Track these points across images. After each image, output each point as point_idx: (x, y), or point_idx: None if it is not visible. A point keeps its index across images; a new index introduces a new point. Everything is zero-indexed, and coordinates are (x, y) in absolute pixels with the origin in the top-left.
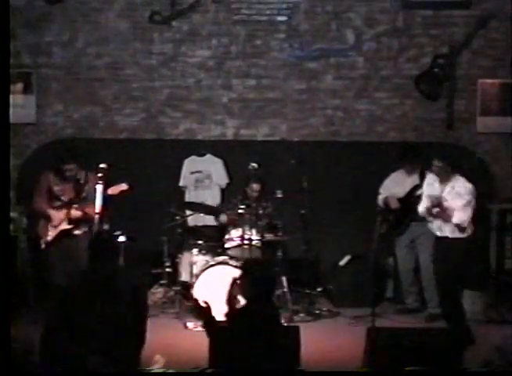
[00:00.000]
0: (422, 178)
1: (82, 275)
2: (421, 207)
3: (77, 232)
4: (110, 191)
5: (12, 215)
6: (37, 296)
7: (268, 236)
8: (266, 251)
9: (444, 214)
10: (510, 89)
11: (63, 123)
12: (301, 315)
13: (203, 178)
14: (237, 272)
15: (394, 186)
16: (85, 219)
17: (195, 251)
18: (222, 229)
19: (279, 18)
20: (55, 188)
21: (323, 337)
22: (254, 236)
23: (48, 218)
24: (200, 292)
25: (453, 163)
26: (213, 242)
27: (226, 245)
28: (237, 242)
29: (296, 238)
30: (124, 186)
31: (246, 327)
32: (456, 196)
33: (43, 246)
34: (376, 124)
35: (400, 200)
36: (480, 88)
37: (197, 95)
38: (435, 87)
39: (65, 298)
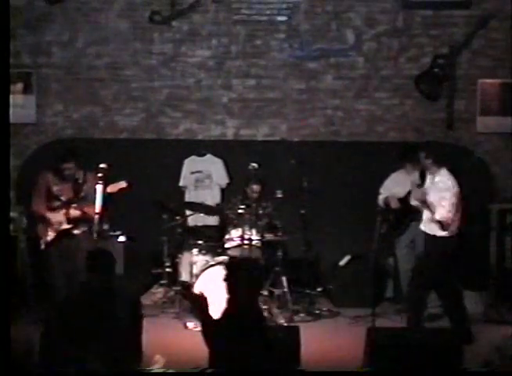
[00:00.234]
0: (422, 178)
1: (81, 284)
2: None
3: (76, 232)
4: (109, 189)
5: (12, 215)
6: (37, 296)
7: (268, 236)
8: (266, 251)
9: (428, 208)
10: (510, 89)
11: (63, 123)
12: (301, 315)
13: (204, 178)
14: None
15: (395, 186)
16: (84, 219)
17: (195, 251)
18: (222, 229)
19: (279, 18)
20: (55, 188)
21: (323, 337)
22: (254, 236)
23: (47, 221)
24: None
25: (438, 158)
26: (213, 242)
27: (226, 245)
28: (237, 242)
29: (296, 238)
30: (123, 184)
31: (233, 325)
32: (436, 191)
33: (43, 246)
34: (376, 124)
35: (400, 200)
36: (480, 88)
37: (197, 95)
38: (435, 87)
39: (63, 300)
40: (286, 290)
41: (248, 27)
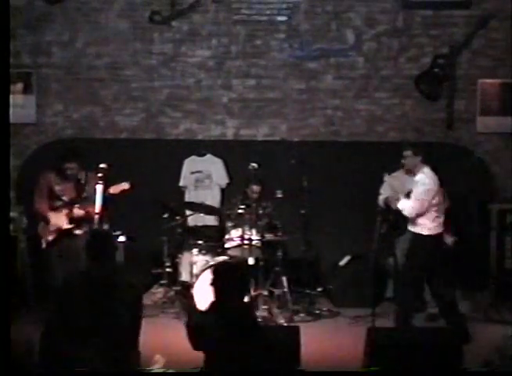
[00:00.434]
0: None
1: (80, 274)
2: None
3: (77, 231)
4: (112, 190)
5: (12, 215)
6: (37, 296)
7: (268, 236)
8: (266, 251)
9: None
10: (510, 89)
11: (63, 123)
12: (301, 315)
13: (204, 178)
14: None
15: (394, 185)
16: (86, 219)
17: (195, 251)
18: (222, 229)
19: (279, 18)
20: (57, 188)
21: (323, 337)
22: (254, 236)
23: (48, 222)
24: (200, 292)
25: (421, 154)
26: (213, 242)
27: (226, 245)
28: (237, 242)
29: (296, 238)
30: (125, 186)
31: (221, 328)
32: (415, 187)
33: (44, 245)
34: (376, 124)
35: None
36: (480, 88)
37: (197, 95)
38: (435, 87)
39: (64, 298)
40: (286, 290)
41: (248, 27)
